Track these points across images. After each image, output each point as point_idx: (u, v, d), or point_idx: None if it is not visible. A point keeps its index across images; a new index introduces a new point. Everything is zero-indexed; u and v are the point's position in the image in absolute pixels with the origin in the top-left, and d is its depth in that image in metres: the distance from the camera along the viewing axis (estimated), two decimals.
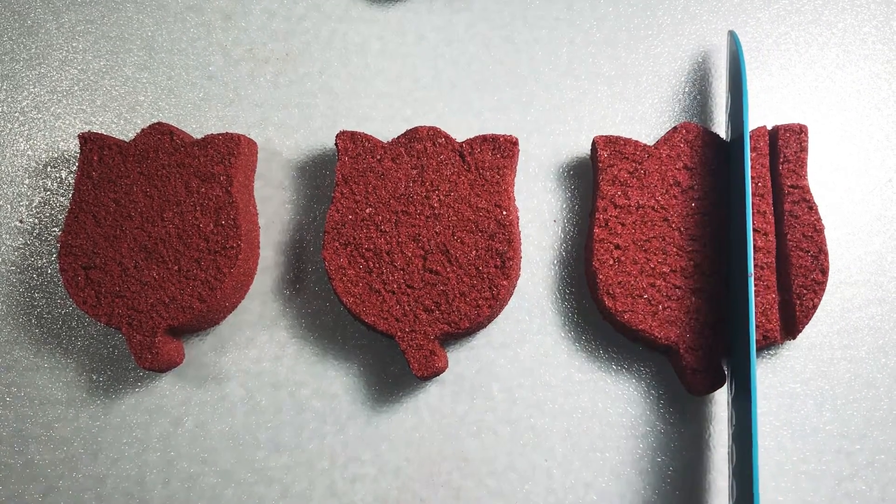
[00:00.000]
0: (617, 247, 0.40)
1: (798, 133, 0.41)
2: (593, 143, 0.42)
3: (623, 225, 0.41)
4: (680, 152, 0.41)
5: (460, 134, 0.44)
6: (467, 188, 0.41)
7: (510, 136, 0.41)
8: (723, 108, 0.45)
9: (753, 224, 0.40)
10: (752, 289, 0.36)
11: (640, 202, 0.41)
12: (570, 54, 0.45)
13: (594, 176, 0.42)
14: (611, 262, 0.40)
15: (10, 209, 0.44)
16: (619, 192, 0.41)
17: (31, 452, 0.41)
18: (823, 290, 0.39)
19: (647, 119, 0.44)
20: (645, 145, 0.42)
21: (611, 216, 0.41)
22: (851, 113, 0.45)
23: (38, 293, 0.43)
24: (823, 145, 0.44)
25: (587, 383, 0.41)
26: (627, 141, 0.41)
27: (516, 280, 0.41)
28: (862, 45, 0.45)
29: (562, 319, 0.42)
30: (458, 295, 0.39)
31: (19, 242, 0.44)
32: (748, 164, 0.38)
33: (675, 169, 0.41)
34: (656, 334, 0.39)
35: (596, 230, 0.40)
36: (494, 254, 0.40)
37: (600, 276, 0.40)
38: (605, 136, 0.42)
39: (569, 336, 0.42)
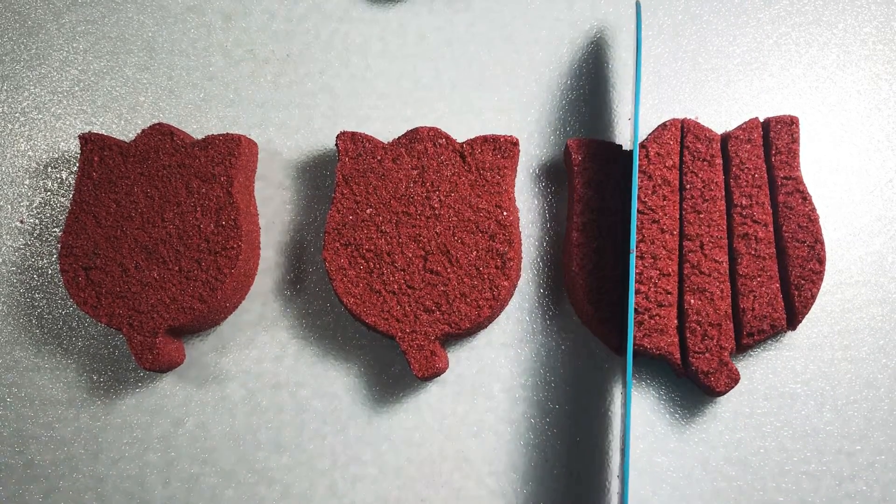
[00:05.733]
0: (597, 251, 0.40)
1: (789, 124, 0.41)
2: (566, 147, 0.41)
3: (601, 228, 0.40)
4: (669, 150, 0.41)
5: (460, 134, 0.44)
6: (468, 189, 0.41)
7: (511, 136, 0.41)
8: (722, 109, 0.45)
9: (754, 215, 0.40)
10: (633, 266, 0.36)
11: (621, 204, 0.40)
12: (570, 54, 0.45)
13: (569, 180, 0.42)
14: (590, 267, 0.40)
15: (10, 209, 0.44)
16: (596, 195, 0.41)
17: (31, 453, 0.41)
18: (821, 279, 0.39)
19: (647, 120, 0.44)
20: (621, 147, 0.41)
21: (588, 220, 0.40)
22: (852, 113, 0.45)
23: (38, 293, 0.43)
24: (824, 145, 0.44)
25: (587, 383, 0.41)
26: (601, 143, 0.41)
27: (517, 280, 0.41)
28: (862, 46, 0.45)
29: (562, 319, 0.42)
30: (458, 295, 0.39)
31: (20, 243, 0.44)
32: (637, 134, 0.38)
33: (665, 168, 0.41)
34: (645, 345, 0.39)
35: (574, 234, 0.40)
36: (495, 254, 0.40)
37: (580, 282, 0.40)
38: (578, 139, 0.41)
39: (569, 336, 0.42)
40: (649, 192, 0.40)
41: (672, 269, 0.40)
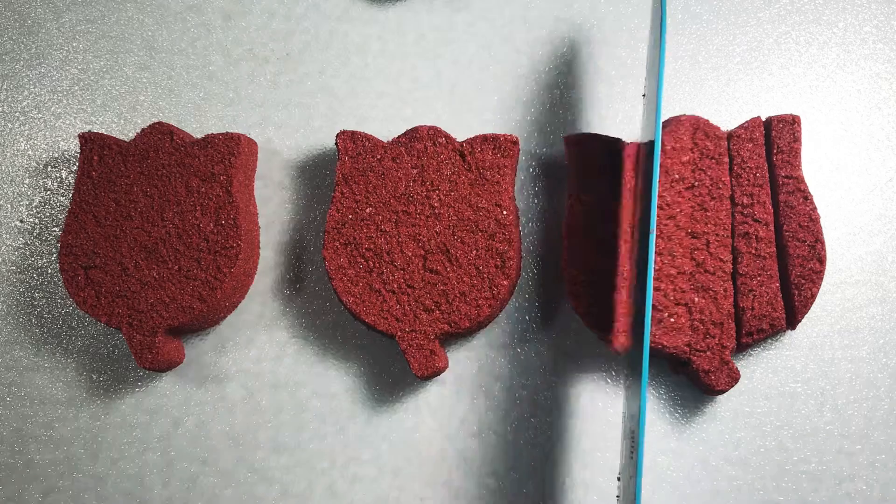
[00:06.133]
0: (596, 248, 0.40)
1: (791, 124, 0.41)
2: (564, 143, 0.41)
3: (600, 225, 0.40)
4: (683, 145, 0.40)
5: (460, 134, 0.44)
6: (467, 188, 0.40)
7: (510, 135, 0.41)
8: (722, 108, 0.45)
9: (754, 214, 0.40)
10: (652, 248, 0.32)
11: (620, 200, 0.40)
12: (570, 54, 0.45)
13: (567, 176, 0.41)
14: (589, 265, 0.39)
15: (10, 209, 0.44)
16: (594, 190, 0.40)
17: (31, 452, 0.41)
18: (821, 279, 0.39)
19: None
20: (619, 140, 0.41)
21: (586, 216, 0.40)
22: (852, 112, 0.44)
23: (38, 293, 0.43)
24: (824, 145, 0.44)
25: (587, 383, 0.41)
26: (598, 137, 0.41)
27: (516, 280, 0.41)
28: (862, 45, 0.45)
29: (562, 319, 0.42)
30: (458, 295, 0.39)
31: (19, 242, 0.44)
32: (659, 128, 0.35)
33: (680, 163, 0.40)
34: (665, 343, 0.38)
35: (572, 232, 0.40)
36: (495, 253, 0.40)
37: (579, 281, 0.39)
38: (576, 135, 0.41)
39: (569, 336, 0.42)
40: (667, 186, 0.40)
41: (687, 267, 0.39)
